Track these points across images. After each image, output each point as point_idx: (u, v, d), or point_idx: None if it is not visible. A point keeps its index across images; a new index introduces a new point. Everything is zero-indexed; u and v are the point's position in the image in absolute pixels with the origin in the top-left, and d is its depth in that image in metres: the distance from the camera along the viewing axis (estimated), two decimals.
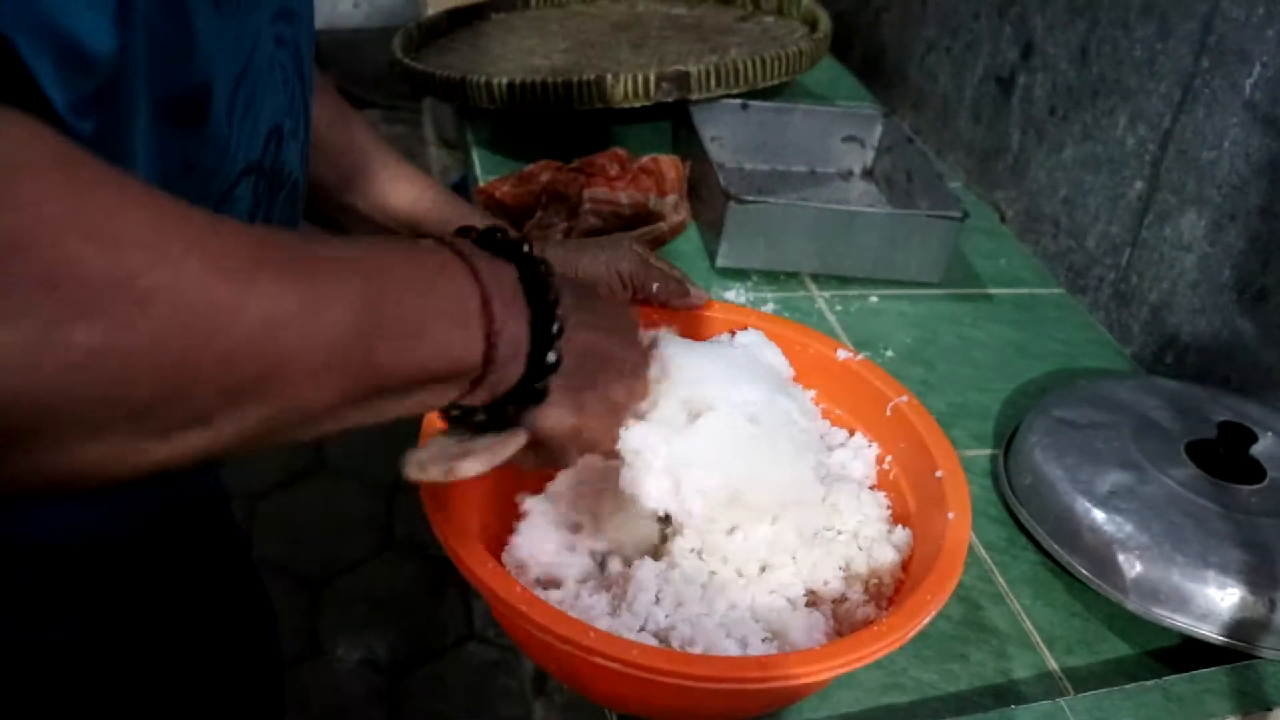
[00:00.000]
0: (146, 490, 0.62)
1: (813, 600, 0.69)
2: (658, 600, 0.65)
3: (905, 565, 0.71)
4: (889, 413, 0.77)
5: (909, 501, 0.74)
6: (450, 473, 0.52)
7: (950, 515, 0.67)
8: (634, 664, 0.54)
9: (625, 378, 0.59)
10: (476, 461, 0.52)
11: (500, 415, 0.51)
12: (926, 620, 0.60)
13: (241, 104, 0.51)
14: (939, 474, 0.70)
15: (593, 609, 0.64)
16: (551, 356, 0.50)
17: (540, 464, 0.57)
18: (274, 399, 0.37)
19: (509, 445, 0.52)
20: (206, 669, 0.81)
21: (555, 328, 0.50)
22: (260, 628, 0.91)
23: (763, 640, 0.65)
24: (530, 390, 0.50)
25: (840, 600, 0.70)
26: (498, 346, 0.47)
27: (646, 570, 0.65)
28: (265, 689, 0.92)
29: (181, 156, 0.48)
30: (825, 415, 0.81)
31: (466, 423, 0.52)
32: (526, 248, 0.51)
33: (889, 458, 0.77)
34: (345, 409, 0.42)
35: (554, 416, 0.53)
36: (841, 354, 0.80)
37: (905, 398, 0.76)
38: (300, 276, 0.38)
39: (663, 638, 0.64)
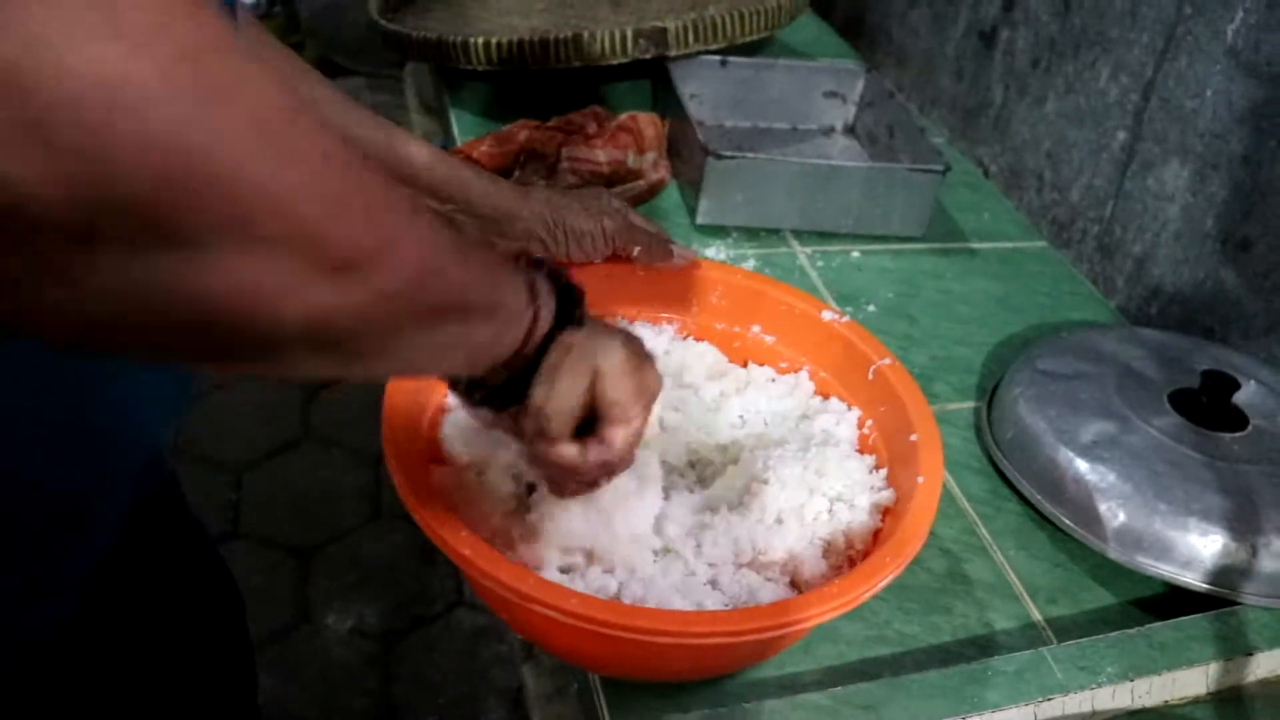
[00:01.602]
0: (101, 478, 0.61)
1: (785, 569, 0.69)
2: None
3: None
4: (871, 376, 0.76)
5: (886, 465, 0.73)
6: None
7: (920, 479, 0.66)
8: (570, 613, 0.54)
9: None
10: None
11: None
12: (882, 584, 0.59)
13: None
14: (913, 437, 0.70)
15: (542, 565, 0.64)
16: (577, 313, 0.55)
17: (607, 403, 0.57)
18: (388, 270, 0.38)
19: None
20: (171, 656, 0.80)
21: (578, 294, 0.55)
22: (224, 610, 0.90)
23: (723, 605, 0.64)
24: (571, 312, 0.54)
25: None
26: (539, 295, 0.52)
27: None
28: (234, 670, 0.92)
29: None
30: (811, 377, 0.80)
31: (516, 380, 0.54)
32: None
33: (869, 421, 0.76)
34: (420, 318, 0.42)
35: (592, 334, 0.55)
36: (827, 315, 0.79)
37: (888, 360, 0.76)
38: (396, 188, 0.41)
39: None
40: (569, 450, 0.56)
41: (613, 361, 0.55)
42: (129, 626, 0.74)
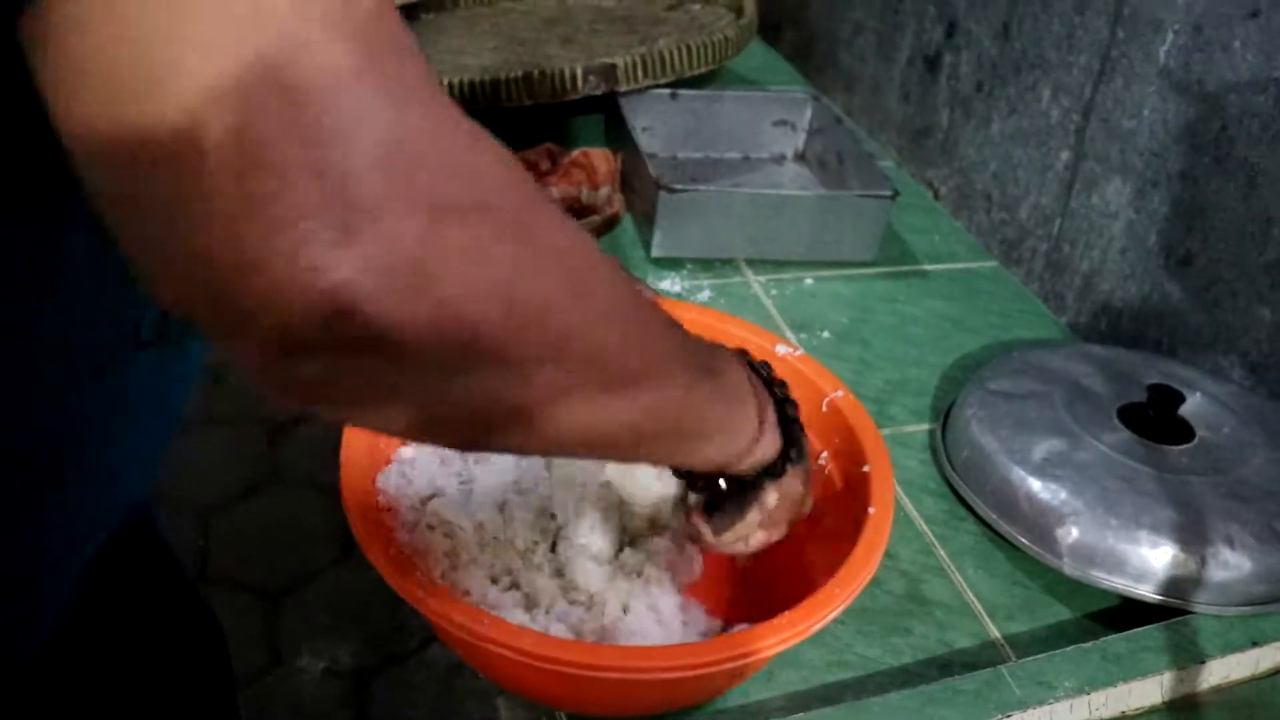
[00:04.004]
0: (79, 525, 0.61)
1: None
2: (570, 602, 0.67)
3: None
4: (825, 408, 0.77)
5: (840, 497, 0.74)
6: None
7: (871, 510, 0.67)
8: (525, 651, 0.55)
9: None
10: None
11: (762, 477, 0.62)
12: (833, 615, 0.60)
13: None
14: (865, 469, 0.70)
15: (501, 606, 0.65)
16: (794, 453, 0.62)
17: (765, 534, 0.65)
18: (650, 394, 0.46)
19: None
20: (154, 698, 0.80)
21: (797, 430, 0.63)
22: (207, 649, 0.90)
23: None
24: (785, 459, 0.62)
25: None
26: (764, 424, 0.59)
27: (546, 583, 0.67)
28: (218, 709, 0.92)
29: None
30: None
31: (728, 484, 0.63)
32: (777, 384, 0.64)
33: (824, 453, 0.76)
34: (670, 432, 0.51)
35: (790, 482, 0.63)
36: (781, 349, 0.79)
37: (841, 393, 0.76)
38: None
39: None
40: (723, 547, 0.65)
41: (794, 497, 0.64)
42: (103, 664, 0.74)
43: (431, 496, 0.70)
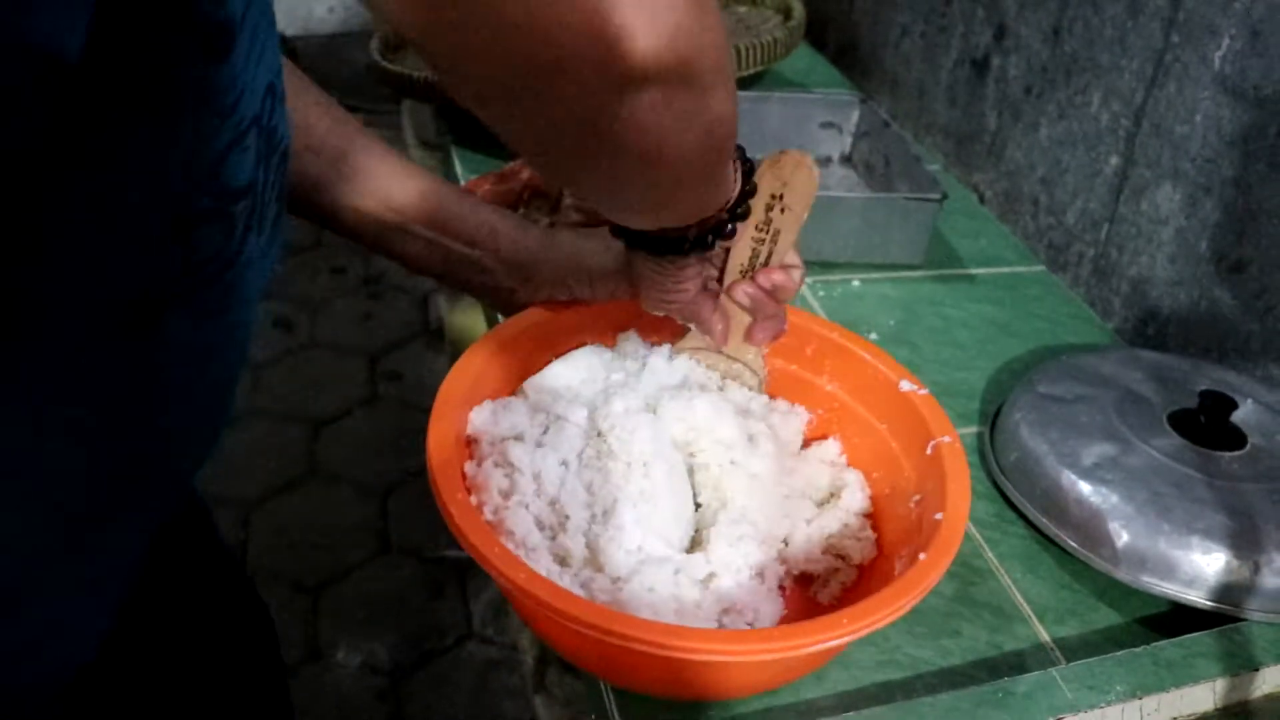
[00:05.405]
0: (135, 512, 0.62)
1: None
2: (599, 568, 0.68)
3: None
4: (929, 451, 0.74)
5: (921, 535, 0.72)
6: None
7: (921, 556, 0.65)
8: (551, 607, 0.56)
9: None
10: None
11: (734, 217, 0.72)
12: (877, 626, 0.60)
13: (245, 44, 0.49)
14: (938, 516, 0.68)
15: (538, 549, 0.67)
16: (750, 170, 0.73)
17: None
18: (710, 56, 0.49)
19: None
20: (208, 686, 0.81)
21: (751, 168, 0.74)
22: (259, 639, 0.91)
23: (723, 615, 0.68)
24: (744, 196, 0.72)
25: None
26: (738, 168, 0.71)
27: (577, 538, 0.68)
28: (270, 699, 0.93)
29: (203, 89, 0.46)
30: (874, 443, 0.81)
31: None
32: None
33: (917, 496, 0.74)
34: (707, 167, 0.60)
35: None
36: (905, 385, 0.78)
37: (948, 438, 0.73)
38: None
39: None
40: (779, 275, 0.78)
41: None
42: (159, 656, 0.75)
43: (512, 438, 0.72)
